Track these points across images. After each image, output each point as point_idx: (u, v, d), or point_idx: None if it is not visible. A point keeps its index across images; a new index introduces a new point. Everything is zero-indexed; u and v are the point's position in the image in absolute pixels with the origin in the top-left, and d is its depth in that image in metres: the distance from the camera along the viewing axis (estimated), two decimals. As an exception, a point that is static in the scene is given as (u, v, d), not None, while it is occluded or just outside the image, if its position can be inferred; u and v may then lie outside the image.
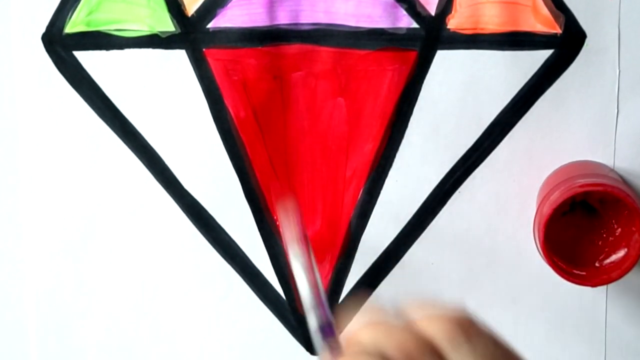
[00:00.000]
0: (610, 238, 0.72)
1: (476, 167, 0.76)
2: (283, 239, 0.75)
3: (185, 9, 0.75)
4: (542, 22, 0.73)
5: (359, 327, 0.46)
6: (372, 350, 0.44)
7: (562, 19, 0.73)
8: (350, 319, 0.47)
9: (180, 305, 0.81)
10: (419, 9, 0.74)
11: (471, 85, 0.74)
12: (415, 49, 0.74)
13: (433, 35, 0.74)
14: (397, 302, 0.48)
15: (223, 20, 0.75)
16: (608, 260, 0.72)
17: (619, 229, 0.72)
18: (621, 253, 0.71)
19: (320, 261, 0.78)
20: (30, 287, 0.81)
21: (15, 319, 0.82)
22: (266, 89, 0.76)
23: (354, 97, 0.76)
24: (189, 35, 0.76)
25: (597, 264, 0.72)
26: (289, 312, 0.79)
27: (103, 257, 0.80)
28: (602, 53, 0.73)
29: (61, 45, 0.77)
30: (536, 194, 0.75)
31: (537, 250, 0.71)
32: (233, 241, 0.79)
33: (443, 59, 0.74)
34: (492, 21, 0.73)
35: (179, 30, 0.76)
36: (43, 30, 0.77)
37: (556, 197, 0.70)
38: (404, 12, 0.74)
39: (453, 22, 0.74)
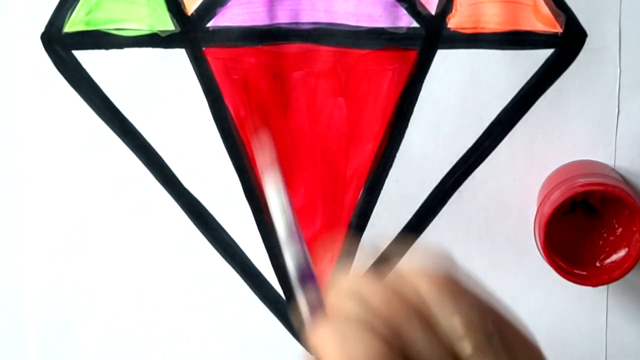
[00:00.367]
0: (611, 238, 0.72)
1: (476, 166, 0.76)
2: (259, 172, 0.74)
3: (185, 8, 0.75)
4: (543, 21, 0.73)
5: (343, 281, 0.46)
6: (358, 311, 0.44)
7: (562, 18, 0.73)
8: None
9: (179, 305, 0.80)
10: (419, 8, 0.74)
11: (471, 85, 0.74)
12: (415, 49, 0.74)
13: (433, 35, 0.74)
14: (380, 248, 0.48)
15: (223, 19, 0.75)
16: (609, 260, 0.72)
17: (620, 229, 0.72)
18: (622, 253, 0.71)
19: (320, 261, 0.78)
20: (30, 286, 0.81)
21: (15, 319, 0.82)
22: (266, 88, 0.76)
23: (354, 97, 0.76)
24: (189, 34, 0.76)
25: (597, 264, 0.72)
26: (288, 312, 0.79)
27: (102, 257, 0.80)
28: (602, 52, 0.73)
29: (60, 44, 0.77)
30: (537, 193, 0.75)
31: (537, 250, 0.71)
32: (233, 240, 0.79)
33: (443, 58, 0.74)
34: (493, 20, 0.73)
35: (178, 29, 0.76)
36: (42, 29, 0.77)
37: (557, 197, 0.70)
38: (404, 12, 0.74)
39: (453, 22, 0.74)
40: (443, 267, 0.45)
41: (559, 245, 0.71)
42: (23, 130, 0.79)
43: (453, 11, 0.74)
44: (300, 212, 0.78)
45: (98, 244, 0.80)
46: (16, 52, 0.78)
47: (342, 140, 0.77)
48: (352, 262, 0.78)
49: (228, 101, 0.77)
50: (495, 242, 0.76)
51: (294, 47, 0.75)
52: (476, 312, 0.44)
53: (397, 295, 0.44)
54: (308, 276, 0.49)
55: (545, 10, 0.73)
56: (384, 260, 0.78)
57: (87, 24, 0.77)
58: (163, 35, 0.76)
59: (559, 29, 0.73)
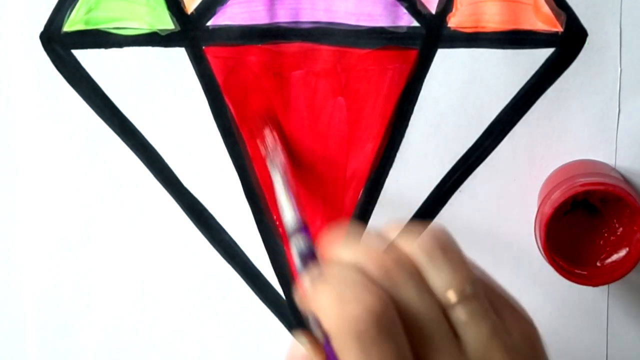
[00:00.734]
0: (612, 237, 0.72)
1: (477, 166, 0.76)
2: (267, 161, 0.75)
3: (185, 7, 0.75)
4: (543, 20, 0.73)
5: (338, 248, 0.47)
6: (352, 267, 0.45)
7: (563, 17, 0.73)
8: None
9: (179, 305, 0.80)
10: (420, 8, 0.74)
11: (472, 84, 0.74)
12: (415, 48, 0.74)
13: (434, 34, 0.74)
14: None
15: (223, 17, 0.75)
16: (609, 260, 0.72)
17: (621, 228, 0.72)
18: (623, 252, 0.71)
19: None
20: (29, 286, 0.81)
21: (14, 319, 0.82)
22: (266, 88, 0.76)
23: (354, 96, 0.76)
24: (189, 33, 0.76)
25: (598, 264, 0.72)
26: (289, 312, 0.79)
27: (102, 257, 0.80)
28: (603, 51, 0.73)
29: (60, 43, 0.77)
30: (537, 193, 0.75)
31: (538, 250, 0.71)
32: (233, 241, 0.79)
33: (444, 57, 0.74)
34: (493, 19, 0.73)
35: (178, 28, 0.76)
36: (41, 28, 0.77)
37: (557, 197, 0.70)
38: (405, 11, 0.74)
39: (454, 21, 0.74)
40: (435, 226, 0.47)
41: (560, 245, 0.71)
42: (22, 130, 0.79)
43: (453, 10, 0.73)
44: (300, 211, 0.77)
45: (98, 243, 0.80)
46: (15, 51, 0.78)
47: (342, 139, 0.77)
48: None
49: (228, 100, 0.76)
50: (495, 242, 0.76)
51: (294, 46, 0.75)
52: (464, 265, 0.45)
53: (390, 255, 0.45)
54: (303, 229, 0.51)
55: (546, 9, 0.72)
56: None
57: (87, 23, 0.76)
58: (163, 34, 0.76)
59: (559, 28, 0.73)
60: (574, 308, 0.76)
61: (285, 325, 0.79)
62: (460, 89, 0.75)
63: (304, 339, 0.52)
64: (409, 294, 0.44)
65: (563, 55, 0.73)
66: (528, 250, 0.75)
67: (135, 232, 0.80)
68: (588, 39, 0.73)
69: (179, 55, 0.76)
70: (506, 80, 0.74)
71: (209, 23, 0.75)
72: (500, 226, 0.76)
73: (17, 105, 0.79)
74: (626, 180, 0.73)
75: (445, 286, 0.45)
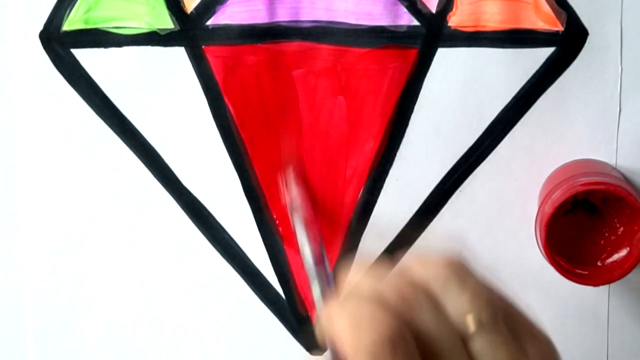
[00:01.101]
0: (613, 237, 0.72)
1: (477, 165, 0.76)
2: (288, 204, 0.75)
3: (185, 6, 0.75)
4: (544, 19, 0.73)
5: (355, 275, 0.48)
6: (369, 294, 0.45)
7: (563, 16, 0.72)
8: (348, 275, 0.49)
9: (179, 305, 0.80)
10: (420, 7, 0.74)
11: (472, 83, 0.74)
12: (416, 47, 0.74)
13: (434, 33, 0.74)
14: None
15: (222, 17, 0.75)
16: (610, 260, 0.72)
17: (621, 228, 0.72)
18: (623, 252, 0.71)
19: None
20: (28, 286, 0.81)
21: (13, 318, 0.82)
22: (266, 87, 0.76)
23: (354, 95, 0.76)
24: (188, 32, 0.76)
25: (599, 263, 0.72)
26: (288, 312, 0.79)
27: (101, 256, 0.80)
28: (604, 51, 0.73)
29: (59, 42, 0.77)
30: (538, 192, 0.75)
31: (538, 250, 0.71)
32: (233, 240, 0.79)
33: (444, 56, 0.74)
34: (494, 18, 0.73)
35: (178, 28, 0.76)
36: (41, 27, 0.77)
37: (558, 196, 0.69)
38: (405, 10, 0.74)
39: (454, 20, 0.74)
40: (451, 252, 0.46)
41: (560, 244, 0.71)
42: (21, 129, 0.79)
43: (453, 9, 0.73)
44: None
45: (97, 243, 0.80)
46: (14, 50, 0.78)
47: (342, 139, 0.77)
48: (352, 261, 0.78)
49: (228, 99, 0.76)
50: (496, 242, 0.76)
51: (293, 46, 0.75)
52: (482, 292, 0.45)
53: (406, 278, 0.45)
54: (321, 261, 0.51)
55: (546, 8, 0.72)
56: (388, 254, 0.78)
57: (86, 22, 0.76)
58: (162, 33, 0.76)
59: (560, 28, 0.73)
60: (574, 308, 0.76)
61: (285, 325, 0.79)
62: (461, 89, 0.74)
63: None
64: (426, 321, 0.44)
65: (563, 54, 0.73)
66: (528, 250, 0.74)
67: (134, 231, 0.79)
68: (589, 38, 0.73)
69: (179, 55, 0.76)
70: (506, 79, 0.74)
71: (209, 22, 0.75)
72: (500, 226, 0.76)
73: (16, 104, 0.78)
74: (627, 179, 0.73)
75: (462, 314, 0.44)
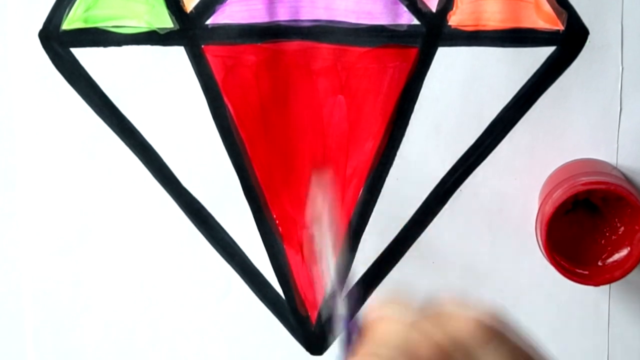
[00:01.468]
0: (613, 237, 0.72)
1: (478, 165, 0.75)
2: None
3: (184, 5, 0.75)
4: (545, 18, 0.72)
5: (380, 322, 0.46)
6: (400, 346, 0.44)
7: (564, 15, 0.72)
8: (373, 309, 0.47)
9: (178, 305, 0.80)
10: (420, 6, 0.73)
11: (473, 83, 0.74)
12: (416, 46, 0.74)
13: (434, 32, 0.74)
14: (425, 297, 0.47)
15: (222, 16, 0.75)
16: (611, 259, 0.72)
17: (622, 228, 0.72)
18: (624, 252, 0.71)
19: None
20: (28, 285, 0.81)
21: (13, 318, 0.82)
22: (265, 86, 0.76)
23: (354, 95, 0.75)
24: (188, 31, 0.75)
25: (599, 263, 0.72)
26: (288, 312, 0.79)
27: (101, 256, 0.80)
28: (604, 50, 0.72)
29: (58, 42, 0.77)
30: (538, 192, 0.75)
31: (539, 249, 0.71)
32: (232, 240, 0.78)
33: (444, 56, 0.74)
34: (494, 18, 0.73)
35: (177, 27, 0.75)
36: (40, 27, 0.77)
37: (558, 196, 0.69)
38: (405, 9, 0.74)
39: (454, 19, 0.73)
40: (492, 308, 0.45)
41: (561, 244, 0.71)
42: (21, 128, 0.79)
43: (454, 8, 0.73)
44: (300, 210, 0.77)
45: (96, 242, 0.80)
46: (14, 49, 0.77)
47: (342, 138, 0.76)
48: (352, 261, 0.78)
49: (227, 99, 0.76)
50: (496, 241, 0.76)
51: (293, 45, 0.75)
52: (519, 357, 0.44)
53: (442, 330, 0.44)
54: (350, 325, 0.49)
55: (547, 7, 0.72)
56: (382, 262, 0.78)
57: (86, 21, 0.76)
58: (162, 32, 0.76)
59: (560, 27, 0.72)
60: (575, 308, 0.76)
61: (285, 325, 0.79)
62: (461, 88, 0.74)
63: None
64: None
65: (564, 53, 0.73)
66: (529, 249, 0.74)
67: (133, 231, 0.79)
68: (589, 38, 0.72)
69: (178, 54, 0.76)
70: (507, 78, 0.74)
71: (208, 22, 0.75)
72: (501, 225, 0.76)
73: (15, 103, 0.78)
74: (628, 179, 0.73)
75: None
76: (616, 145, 0.74)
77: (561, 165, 0.74)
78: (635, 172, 0.74)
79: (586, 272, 0.71)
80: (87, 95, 0.78)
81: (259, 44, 0.75)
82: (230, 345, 0.80)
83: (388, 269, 0.78)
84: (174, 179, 0.78)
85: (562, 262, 0.70)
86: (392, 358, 0.43)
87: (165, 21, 0.75)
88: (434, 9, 0.73)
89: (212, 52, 0.75)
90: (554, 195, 0.70)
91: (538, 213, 0.71)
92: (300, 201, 0.77)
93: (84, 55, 0.77)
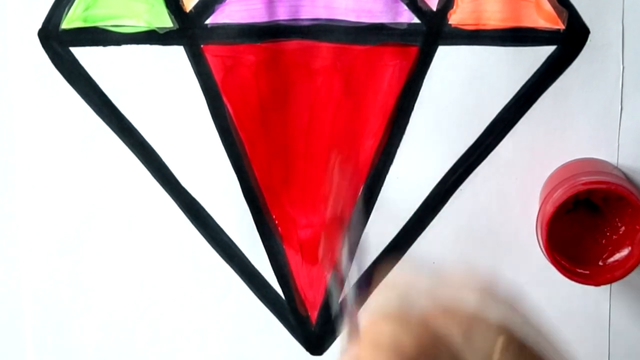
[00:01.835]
0: (614, 236, 0.72)
1: (478, 164, 0.75)
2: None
3: (184, 5, 0.75)
4: (545, 17, 0.72)
5: (379, 317, 0.47)
6: (389, 343, 0.45)
7: (565, 14, 0.72)
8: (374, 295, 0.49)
9: (178, 305, 0.80)
10: (420, 4, 0.73)
11: (473, 82, 0.74)
12: (416, 45, 0.74)
13: (434, 31, 0.74)
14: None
15: (221, 16, 0.75)
16: (612, 259, 0.72)
17: (623, 227, 0.72)
18: (625, 251, 0.71)
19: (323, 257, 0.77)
20: (27, 285, 0.81)
21: (12, 317, 0.82)
22: (265, 86, 0.75)
23: (355, 93, 0.75)
24: (187, 31, 0.75)
25: (600, 263, 0.72)
26: (288, 312, 0.79)
27: (100, 256, 0.80)
28: (605, 49, 0.72)
29: (58, 41, 0.77)
30: (539, 191, 0.75)
31: (540, 249, 0.71)
32: (232, 240, 0.78)
33: (444, 54, 0.74)
34: (494, 17, 0.73)
35: (177, 26, 0.75)
36: (39, 26, 0.77)
37: (559, 195, 0.69)
38: (405, 7, 0.74)
39: (455, 18, 0.73)
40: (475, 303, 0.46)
41: (562, 243, 0.71)
42: (20, 127, 0.79)
43: (454, 7, 0.73)
44: (300, 210, 0.77)
45: (95, 242, 0.80)
46: (13, 48, 0.77)
47: (342, 137, 0.76)
48: (351, 261, 0.77)
49: (226, 99, 0.76)
50: (497, 241, 0.76)
51: (293, 44, 0.75)
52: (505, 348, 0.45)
53: (428, 329, 0.45)
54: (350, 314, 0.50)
55: (548, 6, 0.72)
56: (380, 263, 0.78)
57: (85, 20, 0.76)
58: (161, 32, 0.76)
59: (561, 26, 0.72)
60: (576, 307, 0.76)
61: (285, 325, 0.79)
62: (461, 87, 0.74)
63: None
64: None
65: (565, 53, 0.73)
66: (530, 249, 0.74)
67: (133, 231, 0.79)
68: (590, 37, 0.72)
69: (177, 54, 0.76)
70: (507, 78, 0.74)
71: (208, 21, 0.75)
72: (501, 225, 0.76)
73: (15, 102, 0.78)
74: (628, 178, 0.73)
75: None
76: (617, 145, 0.74)
77: (562, 165, 0.74)
78: (636, 172, 0.74)
79: (587, 272, 0.71)
80: (87, 95, 0.78)
81: (258, 44, 0.75)
82: (230, 345, 0.80)
83: (388, 269, 0.78)
84: (173, 178, 0.78)
85: (562, 262, 0.70)
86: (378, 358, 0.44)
87: (164, 21, 0.75)
88: (434, 8, 0.73)
89: (211, 52, 0.75)
90: (554, 195, 0.70)
91: (539, 213, 0.71)
92: (300, 201, 0.77)
93: (84, 55, 0.77)
